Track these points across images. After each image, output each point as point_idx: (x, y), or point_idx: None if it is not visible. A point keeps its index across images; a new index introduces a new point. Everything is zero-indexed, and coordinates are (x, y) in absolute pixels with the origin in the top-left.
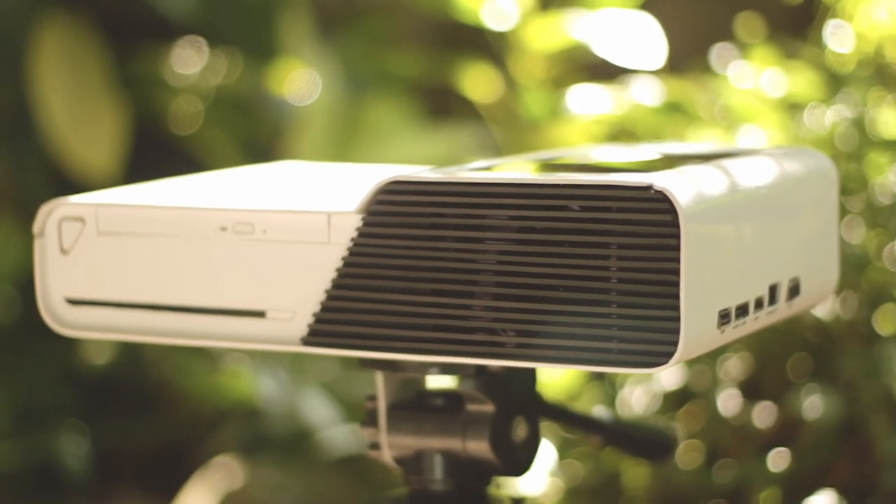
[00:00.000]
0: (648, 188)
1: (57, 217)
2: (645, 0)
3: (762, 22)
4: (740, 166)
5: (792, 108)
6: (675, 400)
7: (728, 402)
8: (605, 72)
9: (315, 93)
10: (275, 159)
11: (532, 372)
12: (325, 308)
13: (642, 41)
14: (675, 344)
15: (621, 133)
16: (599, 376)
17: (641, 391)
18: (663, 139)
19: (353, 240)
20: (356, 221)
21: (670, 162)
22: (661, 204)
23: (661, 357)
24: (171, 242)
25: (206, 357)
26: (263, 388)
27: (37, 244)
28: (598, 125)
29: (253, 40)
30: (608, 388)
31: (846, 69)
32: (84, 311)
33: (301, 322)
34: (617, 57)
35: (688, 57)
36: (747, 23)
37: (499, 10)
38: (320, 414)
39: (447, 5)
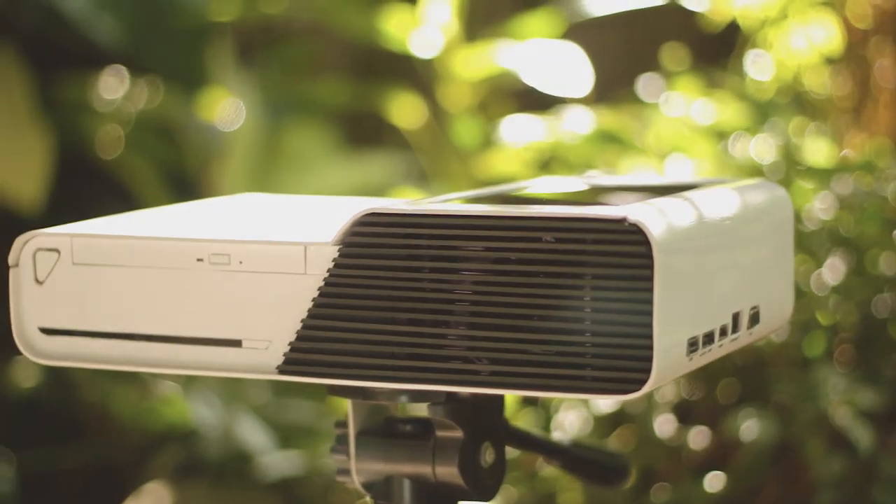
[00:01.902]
0: (622, 220)
1: (32, 248)
2: (565, 30)
3: (685, 51)
4: (705, 198)
5: (721, 136)
6: (608, 423)
7: (664, 425)
8: (532, 100)
9: (238, 119)
10: (198, 185)
11: (500, 399)
12: (300, 337)
13: (569, 69)
14: (648, 371)
15: (552, 161)
16: (533, 400)
17: (575, 415)
18: (595, 168)
19: (329, 271)
20: (332, 252)
21: (638, 194)
22: (634, 236)
23: (634, 384)
24: (146, 273)
25: (136, 382)
26: (197, 413)
27: (12, 275)
28: (529, 153)
29: (178, 67)
30: (542, 412)
31: (766, 96)
32: (58, 341)
33: (277, 351)
34: (544, 85)
35: (609, 86)
36: (671, 52)
37: (425, 38)
38: (253, 439)
39: (373, 32)
